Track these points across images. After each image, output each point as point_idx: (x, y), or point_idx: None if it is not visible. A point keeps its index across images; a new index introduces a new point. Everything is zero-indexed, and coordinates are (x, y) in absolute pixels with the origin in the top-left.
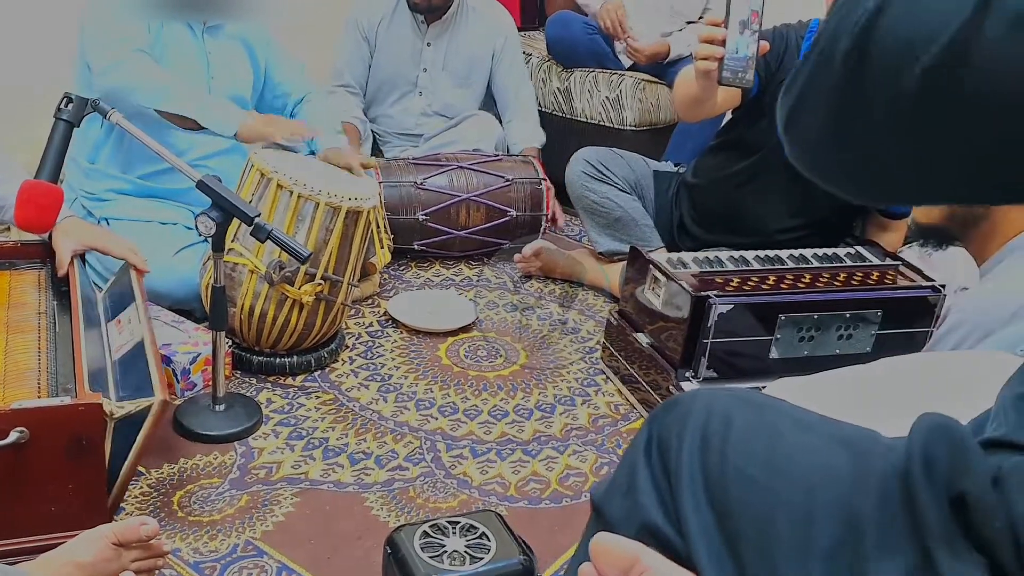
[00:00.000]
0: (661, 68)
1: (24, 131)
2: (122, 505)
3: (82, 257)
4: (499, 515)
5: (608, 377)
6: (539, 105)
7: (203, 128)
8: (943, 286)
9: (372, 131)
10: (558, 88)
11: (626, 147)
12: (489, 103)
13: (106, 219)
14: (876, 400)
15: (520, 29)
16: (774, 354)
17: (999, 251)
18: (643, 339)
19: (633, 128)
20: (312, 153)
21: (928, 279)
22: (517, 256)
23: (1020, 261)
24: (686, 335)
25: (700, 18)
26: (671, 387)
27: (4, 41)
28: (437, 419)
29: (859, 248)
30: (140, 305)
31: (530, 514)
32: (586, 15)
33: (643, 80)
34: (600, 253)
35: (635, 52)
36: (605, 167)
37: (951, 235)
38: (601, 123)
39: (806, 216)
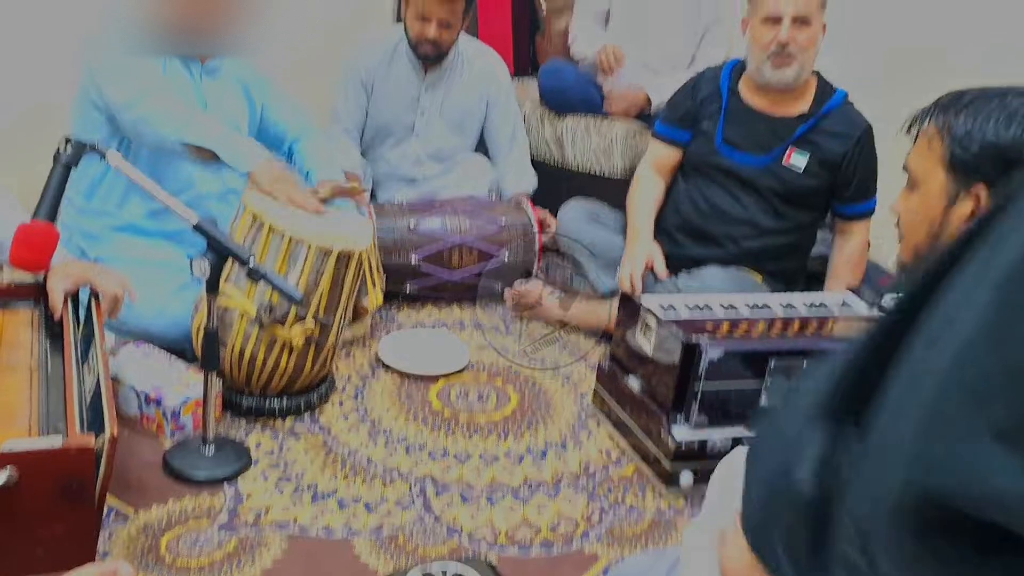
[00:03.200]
0: (650, 117)
1: (22, 166)
2: (108, 549)
3: (75, 297)
4: (490, 564)
5: (600, 421)
6: (532, 151)
7: (218, 160)
8: None
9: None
10: (550, 135)
11: (617, 194)
12: (482, 147)
13: (101, 258)
14: None
15: (513, 76)
16: (764, 401)
17: None
18: (634, 384)
19: (624, 175)
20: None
21: None
22: (508, 291)
23: None
24: (677, 380)
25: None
26: (662, 432)
27: (4, 79)
28: (427, 463)
29: (848, 296)
30: (98, 340)
31: (520, 562)
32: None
33: (634, 128)
34: (603, 294)
35: (611, 101)
36: (597, 213)
37: None
38: (592, 170)
39: (769, 221)
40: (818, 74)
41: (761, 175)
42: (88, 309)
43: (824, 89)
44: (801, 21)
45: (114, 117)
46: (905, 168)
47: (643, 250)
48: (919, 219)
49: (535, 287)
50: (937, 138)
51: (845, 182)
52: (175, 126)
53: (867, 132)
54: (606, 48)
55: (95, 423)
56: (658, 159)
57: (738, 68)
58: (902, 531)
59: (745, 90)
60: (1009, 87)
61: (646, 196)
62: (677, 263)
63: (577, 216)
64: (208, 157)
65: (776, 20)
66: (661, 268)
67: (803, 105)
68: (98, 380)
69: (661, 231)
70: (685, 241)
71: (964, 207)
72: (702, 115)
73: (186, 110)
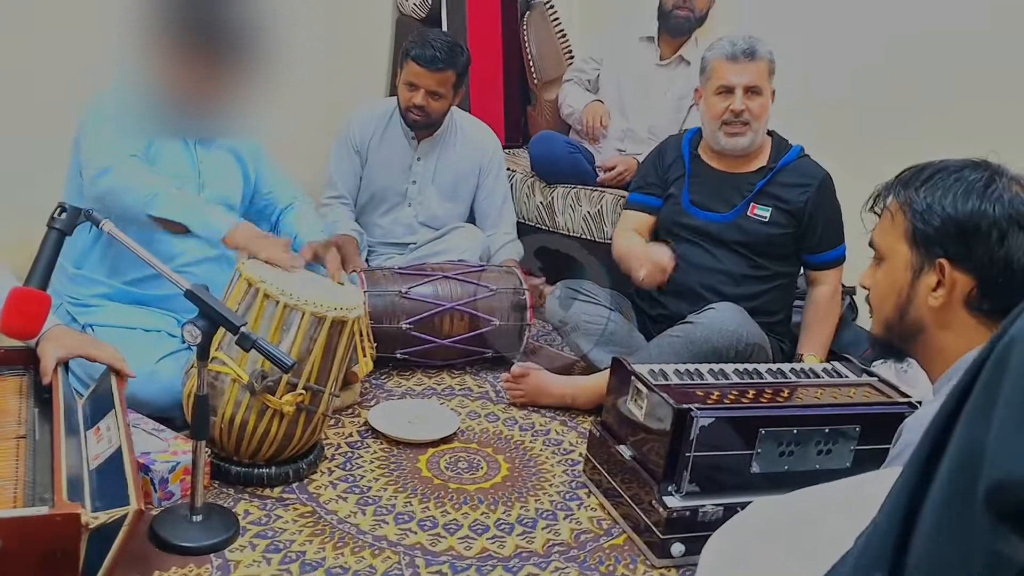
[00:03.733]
0: None
1: (14, 233)
2: None
3: (65, 364)
4: None
5: (591, 491)
6: (523, 218)
7: (190, 232)
8: (919, 402)
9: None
10: (541, 203)
11: (607, 260)
12: (470, 219)
13: (90, 325)
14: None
15: (504, 147)
16: (755, 468)
17: (949, 369)
18: (625, 451)
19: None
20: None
21: (904, 395)
22: (503, 375)
23: None
24: (668, 448)
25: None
26: (653, 502)
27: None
28: (416, 533)
29: (835, 364)
30: (119, 412)
31: None
32: (568, 133)
33: (623, 197)
34: (601, 370)
35: (602, 171)
36: (586, 289)
37: (899, 349)
38: (583, 236)
39: (743, 270)
40: (772, 132)
41: (728, 229)
42: (105, 379)
43: (780, 144)
44: (752, 91)
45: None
46: (871, 244)
47: (646, 251)
48: (887, 292)
49: (533, 370)
50: (900, 213)
51: (810, 230)
52: (140, 199)
53: (825, 180)
54: (592, 110)
55: (110, 492)
56: (632, 226)
57: (698, 135)
58: None
59: (705, 154)
60: (967, 161)
61: (631, 237)
62: (660, 324)
63: (565, 296)
64: (179, 230)
65: (729, 90)
66: (669, 261)
67: (761, 160)
68: (117, 450)
69: (642, 294)
70: (667, 300)
71: (929, 279)
72: (669, 180)
73: (154, 183)
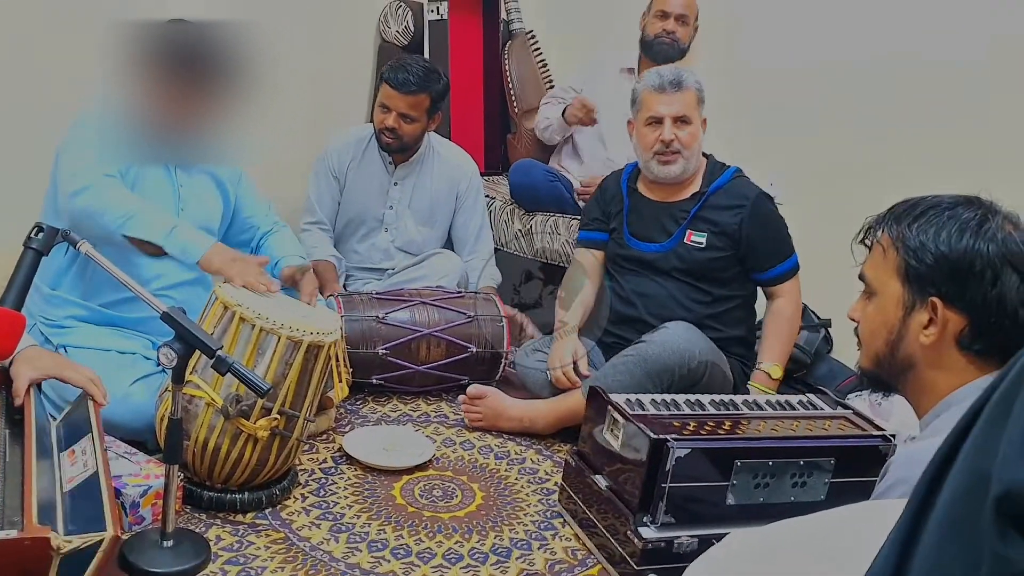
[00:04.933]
0: None
1: None
2: None
3: (38, 385)
4: None
5: (566, 520)
6: (502, 245)
7: (167, 254)
8: (893, 435)
9: None
10: (520, 230)
11: None
12: (447, 244)
13: (64, 346)
14: (840, 552)
15: (484, 174)
16: (730, 500)
17: (936, 405)
18: (601, 481)
19: None
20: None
21: (878, 428)
22: (462, 397)
23: (955, 417)
24: (644, 478)
25: None
26: (628, 532)
27: None
28: (389, 562)
29: (811, 396)
30: (96, 436)
31: None
32: (547, 161)
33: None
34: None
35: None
36: (547, 347)
37: (887, 384)
38: (561, 263)
39: (689, 296)
40: (709, 156)
41: (667, 258)
42: (81, 401)
43: (713, 169)
44: (681, 120)
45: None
46: (861, 277)
47: (568, 348)
48: (877, 328)
49: (490, 392)
50: (892, 248)
51: (751, 251)
52: (116, 218)
53: (758, 199)
54: (575, 102)
55: (85, 516)
56: (585, 263)
57: (636, 169)
58: None
59: (642, 186)
60: (959, 198)
61: (574, 293)
62: (616, 351)
63: (535, 358)
64: (155, 251)
65: (658, 121)
66: (584, 366)
67: (694, 186)
68: (94, 474)
69: (597, 327)
70: (621, 331)
71: (921, 317)
72: (611, 215)
73: (130, 203)
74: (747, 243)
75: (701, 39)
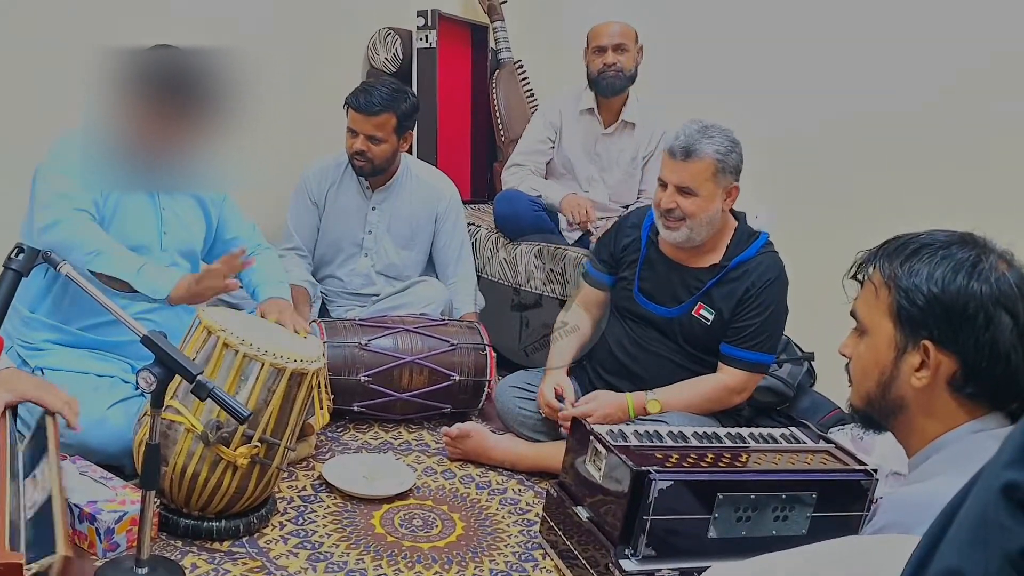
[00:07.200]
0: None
1: None
2: None
3: (13, 409)
4: None
5: (546, 552)
6: (486, 273)
7: (135, 291)
8: (875, 470)
9: (321, 292)
10: (504, 259)
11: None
12: (429, 267)
13: (41, 368)
14: None
15: (470, 202)
16: (712, 533)
17: (926, 447)
18: (583, 512)
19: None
20: (253, 296)
21: (860, 462)
22: (444, 429)
23: (945, 460)
24: (626, 510)
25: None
26: (609, 564)
27: None
28: None
29: (793, 430)
30: (52, 454)
31: None
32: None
33: (585, 256)
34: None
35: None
36: (527, 383)
37: (878, 423)
38: (544, 293)
39: (686, 361)
40: (741, 219)
41: (672, 324)
42: (41, 425)
43: (740, 237)
44: (685, 191)
45: None
46: (853, 314)
47: (552, 380)
48: (869, 367)
49: (474, 432)
50: (884, 288)
51: (734, 319)
52: (83, 255)
53: (773, 284)
54: (573, 203)
55: (42, 541)
56: (586, 296)
57: None
58: None
59: (662, 240)
60: (953, 236)
61: (570, 329)
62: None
63: (514, 397)
64: (123, 288)
65: (664, 185)
66: (570, 394)
67: (715, 256)
68: (49, 497)
69: (591, 364)
70: (610, 379)
71: (913, 359)
72: (623, 262)
73: (98, 241)
74: (735, 314)
75: (686, 66)
